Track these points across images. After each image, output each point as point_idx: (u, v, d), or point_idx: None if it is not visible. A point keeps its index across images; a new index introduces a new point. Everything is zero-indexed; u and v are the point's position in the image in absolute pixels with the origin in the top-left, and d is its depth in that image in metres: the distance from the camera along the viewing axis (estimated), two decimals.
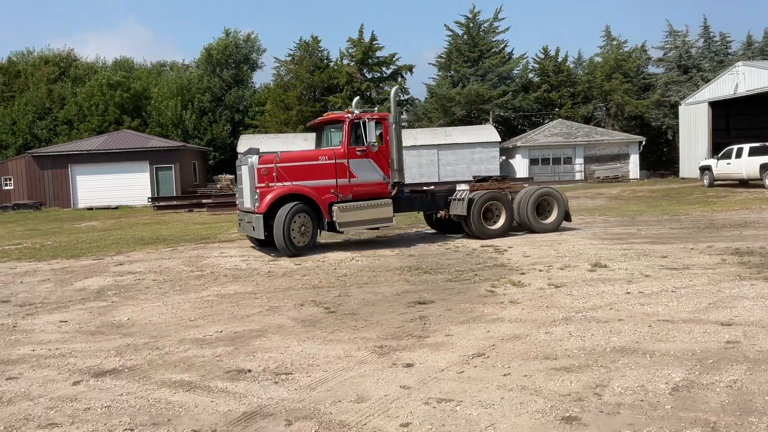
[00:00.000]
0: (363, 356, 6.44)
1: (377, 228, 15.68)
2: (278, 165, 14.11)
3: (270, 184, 13.83)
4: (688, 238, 14.15)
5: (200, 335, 7.54)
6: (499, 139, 46.26)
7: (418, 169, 44.43)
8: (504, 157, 47.64)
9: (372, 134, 14.70)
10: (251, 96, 64.09)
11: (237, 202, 15.79)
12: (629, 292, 8.82)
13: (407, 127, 53.38)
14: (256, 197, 13.69)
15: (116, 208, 39.53)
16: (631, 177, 46.80)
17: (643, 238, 14.57)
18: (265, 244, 14.73)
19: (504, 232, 15.82)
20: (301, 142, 43.32)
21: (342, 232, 14.96)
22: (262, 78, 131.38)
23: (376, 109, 16.48)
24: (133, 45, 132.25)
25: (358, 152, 14.65)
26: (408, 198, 15.98)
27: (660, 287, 9.05)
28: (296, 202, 13.80)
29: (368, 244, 15.77)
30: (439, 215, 16.61)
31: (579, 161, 46.81)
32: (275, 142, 43.94)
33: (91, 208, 39.43)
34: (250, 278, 11.54)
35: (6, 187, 42.64)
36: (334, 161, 14.51)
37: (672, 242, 13.63)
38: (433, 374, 5.77)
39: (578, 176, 46.41)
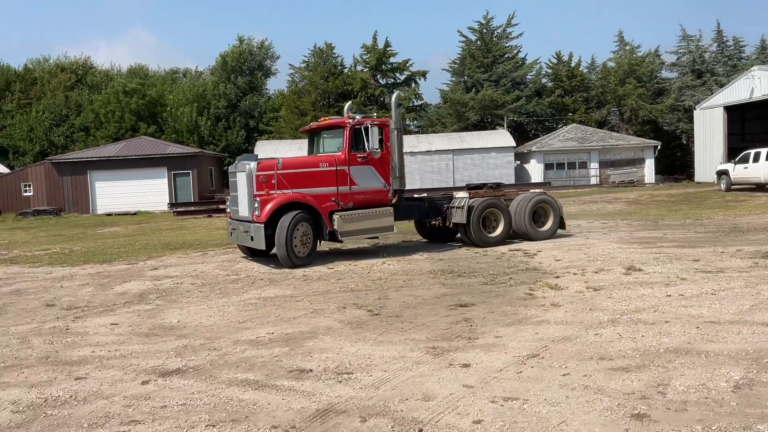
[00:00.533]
0: (418, 357, 6.58)
1: (376, 237, 15.30)
2: (279, 172, 13.61)
3: (270, 192, 13.26)
4: (716, 242, 14.24)
5: (253, 337, 7.71)
6: (514, 144, 46.38)
7: (433, 175, 44.62)
8: (518, 162, 47.72)
9: (375, 140, 14.30)
10: (265, 102, 64.47)
11: (228, 210, 15.05)
12: (669, 295, 8.93)
13: (421, 133, 53.61)
14: (256, 205, 13.03)
15: (135, 213, 39.86)
16: (646, 181, 46.75)
17: (670, 242, 14.66)
18: (258, 254, 14.42)
19: (502, 240, 15.54)
20: None
21: (342, 242, 14.46)
22: (275, 84, 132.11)
23: (375, 115, 15.73)
24: (141, 51, 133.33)
25: (359, 159, 14.24)
26: (406, 206, 15.53)
27: (698, 290, 9.16)
28: (298, 211, 13.27)
29: (369, 254, 15.91)
30: (432, 223, 16.33)
31: (594, 166, 46.84)
32: (291, 147, 44.22)
33: (110, 214, 39.79)
34: (286, 281, 11.71)
35: (26, 194, 43.09)
36: (335, 168, 14.04)
37: (701, 246, 13.71)
38: (492, 374, 5.91)
39: (593, 181, 46.43)
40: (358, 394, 5.50)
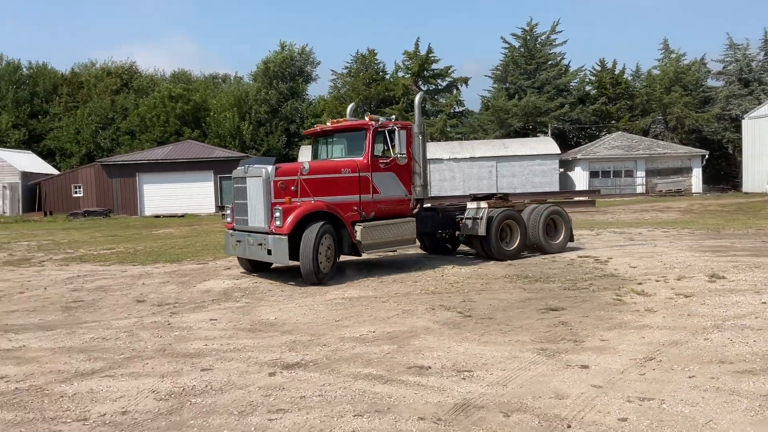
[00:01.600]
0: (531, 358, 6.64)
1: (394, 250, 14.35)
2: (303, 177, 12.26)
3: (293, 200, 11.87)
4: None
5: (356, 334, 7.84)
6: (559, 152, 46.13)
7: (475, 181, 44.55)
8: (562, 170, 47.44)
9: (402, 144, 13.23)
10: (306, 108, 65.04)
11: (228, 219, 13.14)
12: (765, 302, 8.87)
13: (463, 139, 53.56)
14: (278, 215, 11.53)
15: (182, 216, 40.50)
16: (693, 191, 46.12)
17: (742, 251, 14.50)
18: (260, 269, 13.30)
19: (518, 253, 14.76)
20: None
21: (360, 255, 13.05)
22: (316, 90, 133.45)
23: (393, 117, 14.48)
24: (180, 57, 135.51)
25: (381, 165, 13.13)
26: (423, 217, 14.26)
27: None
28: (323, 222, 11.89)
29: (391, 267, 15.96)
30: (439, 235, 15.25)
31: (640, 174, 46.37)
32: None
33: (158, 216, 40.50)
34: (364, 283, 11.85)
35: (76, 195, 44.07)
36: (357, 174, 12.82)
37: None
38: (614, 376, 5.95)
39: (639, 189, 45.95)
40: (488, 391, 5.58)
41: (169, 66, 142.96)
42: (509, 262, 14.14)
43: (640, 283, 10.84)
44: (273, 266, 13.27)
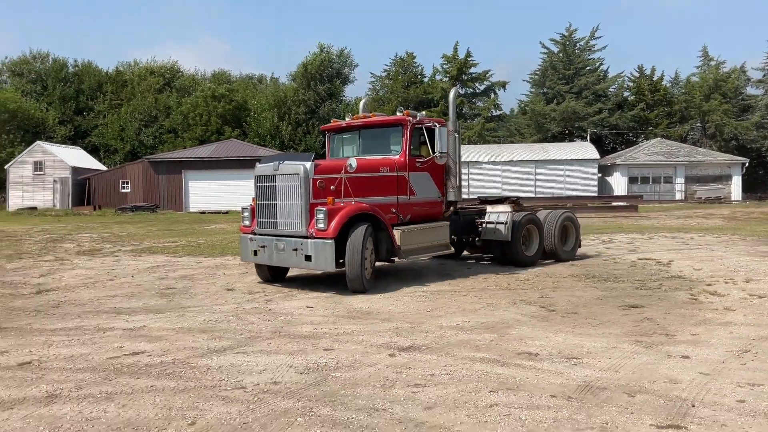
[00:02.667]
0: (631, 348, 7.04)
1: (429, 257, 13.45)
2: (348, 176, 11.27)
3: (336, 200, 10.83)
4: None
5: (453, 324, 8.30)
6: (598, 157, 46.23)
7: (514, 185, 44.80)
8: (600, 174, 47.49)
9: (444, 142, 12.45)
10: (344, 109, 65.69)
11: (246, 222, 11.84)
12: None
13: (500, 142, 53.80)
14: (321, 216, 10.40)
15: (227, 212, 41.35)
16: (732, 198, 45.88)
17: None
18: (278, 278, 12.14)
19: (537, 260, 14.31)
20: None
21: (393, 262, 12.33)
22: (353, 92, 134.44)
23: (423, 113, 13.19)
24: (211, 57, 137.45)
25: (417, 164, 12.38)
26: (452, 221, 13.48)
27: None
28: (366, 224, 10.90)
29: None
30: (459, 240, 14.03)
31: (680, 181, 46.27)
32: None
33: (203, 212, 41.41)
34: (441, 277, 12.32)
35: (123, 190, 45.20)
36: (395, 174, 12.01)
37: None
38: (717, 365, 6.33)
39: (678, 196, 45.86)
40: (603, 375, 6.01)
41: (200, 65, 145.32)
42: (570, 263, 14.51)
43: (709, 285, 11.17)
44: (288, 275, 12.47)
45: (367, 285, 10.68)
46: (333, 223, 10.43)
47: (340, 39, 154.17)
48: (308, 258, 10.58)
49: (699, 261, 14.25)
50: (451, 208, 13.52)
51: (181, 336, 7.76)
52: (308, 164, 10.74)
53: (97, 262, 15.80)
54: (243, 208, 12.02)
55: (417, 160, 12.38)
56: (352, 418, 4.87)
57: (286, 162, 11.08)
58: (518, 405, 5.14)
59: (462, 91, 59.26)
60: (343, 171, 11.19)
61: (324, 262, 10.43)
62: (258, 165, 11.59)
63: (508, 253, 13.91)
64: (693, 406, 5.16)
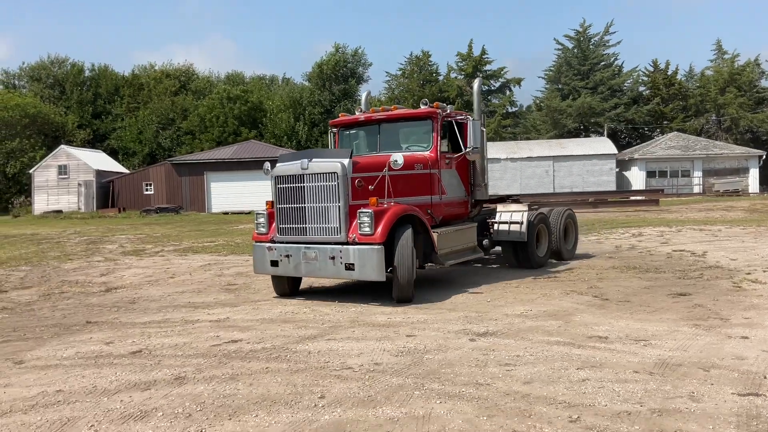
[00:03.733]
0: (692, 331, 7.55)
1: (465, 262, 12.33)
2: (391, 174, 10.11)
3: (380, 201, 9.73)
4: None
5: (517, 312, 8.83)
6: (615, 152, 46.65)
7: (532, 181, 45.27)
8: (618, 169, 47.88)
9: (477, 137, 11.57)
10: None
11: (262, 230, 10.51)
12: None
13: (517, 139, 54.27)
14: (368, 220, 9.33)
15: (249, 213, 41.97)
16: (750, 191, 46.19)
17: None
18: (292, 292, 10.74)
19: (547, 261, 13.82)
20: None
21: (424, 268, 10.96)
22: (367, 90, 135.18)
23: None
24: (220, 57, 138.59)
25: (446, 161, 11.56)
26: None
27: None
28: (410, 227, 9.87)
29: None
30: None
31: (697, 174, 46.64)
32: None
33: (226, 213, 42.09)
34: (471, 280, 12.86)
35: (147, 192, 45.97)
36: (428, 171, 11.12)
37: None
38: None
39: (696, 189, 46.22)
40: (675, 354, 6.53)
41: (209, 65, 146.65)
42: (608, 256, 15.00)
43: (748, 273, 11.66)
44: (301, 287, 11.13)
45: (413, 292, 9.83)
46: (380, 227, 9.34)
47: (351, 38, 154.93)
48: (350, 267, 9.40)
49: (733, 252, 14.73)
50: (476, 209, 12.82)
51: (268, 326, 8.34)
52: (346, 161, 9.65)
53: (148, 261, 16.43)
54: (257, 214, 10.63)
55: (446, 156, 11.54)
56: (463, 391, 5.41)
57: (316, 160, 9.87)
58: (608, 379, 5.67)
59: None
60: (386, 168, 9.94)
61: (371, 270, 9.28)
62: (277, 165, 10.24)
63: (522, 254, 13.19)
64: (765, 377, 5.67)
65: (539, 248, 13.54)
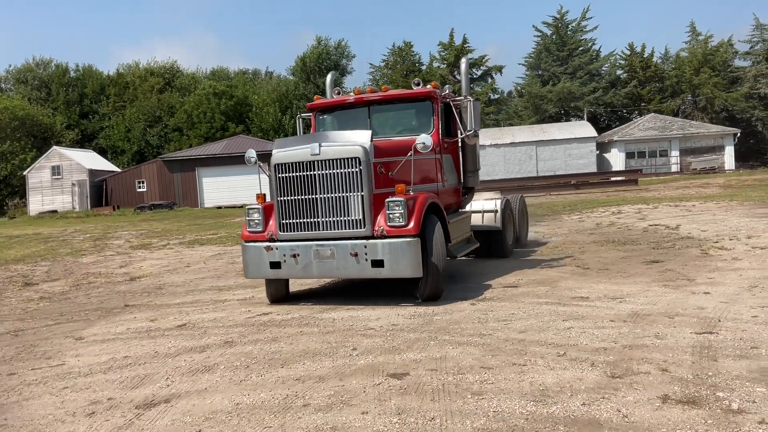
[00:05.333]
0: (661, 290, 8.72)
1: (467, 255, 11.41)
2: (417, 158, 9.20)
3: (408, 188, 8.64)
4: None
5: (508, 282, 9.98)
6: (596, 135, 48.03)
7: (515, 166, 46.52)
8: (599, 152, 49.27)
9: (477, 119, 10.79)
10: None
11: (257, 228, 9.23)
12: None
13: (501, 126, 55.51)
14: (401, 210, 8.33)
15: (242, 206, 42.89)
16: (726, 168, 47.76)
17: None
18: (283, 298, 9.51)
19: (513, 248, 13.30)
20: None
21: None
22: (352, 82, 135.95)
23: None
24: (199, 51, 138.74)
25: (444, 145, 10.60)
26: None
27: None
28: (434, 216, 9.00)
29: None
30: None
31: (675, 154, 48.15)
32: None
33: (220, 207, 43.01)
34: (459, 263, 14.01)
35: (140, 190, 46.78)
36: (434, 157, 10.10)
37: None
38: (732, 297, 7.99)
39: (674, 168, 47.72)
40: (645, 308, 7.69)
41: (190, 60, 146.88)
42: (587, 231, 16.20)
43: (716, 242, 12.89)
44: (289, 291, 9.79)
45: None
46: (414, 217, 8.37)
47: (333, 30, 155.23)
48: (377, 263, 8.33)
49: (704, 224, 15.98)
50: (468, 196, 11.82)
51: (290, 301, 9.43)
52: (368, 144, 8.50)
53: (160, 254, 17.43)
54: (249, 209, 9.43)
55: (444, 141, 10.56)
56: (469, 340, 6.55)
57: (329, 143, 8.59)
58: (588, 327, 6.82)
59: (459, 78, 60.81)
60: (411, 152, 8.86)
61: (406, 265, 8.24)
62: (276, 151, 8.94)
63: (495, 243, 12.55)
64: (719, 321, 6.84)
65: (507, 236, 12.98)
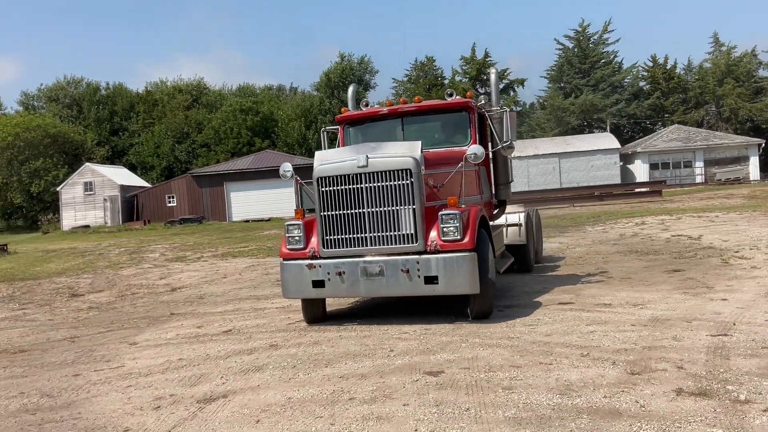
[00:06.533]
0: (681, 297, 9.14)
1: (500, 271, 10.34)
2: (467, 169, 9.02)
3: (459, 201, 8.39)
4: None
5: (534, 290, 10.44)
6: (619, 146, 48.22)
7: (540, 178, 46.82)
8: (622, 163, 49.40)
9: (513, 130, 10.49)
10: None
11: (298, 245, 8.65)
12: None
13: (523, 138, 55.87)
14: (456, 223, 7.98)
15: (269, 220, 43.74)
16: (751, 179, 47.60)
17: None
18: (323, 317, 9.10)
19: (533, 264, 13.04)
20: None
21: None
22: (375, 97, 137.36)
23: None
24: (225, 68, 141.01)
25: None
26: None
27: None
28: (483, 230, 8.69)
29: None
30: None
31: (699, 164, 48.13)
32: None
33: (247, 221, 43.82)
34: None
35: (170, 204, 47.87)
36: (474, 169, 9.66)
37: None
38: (748, 302, 8.39)
39: (698, 179, 47.66)
40: (664, 313, 8.12)
41: (216, 78, 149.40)
42: (614, 241, 16.58)
43: (737, 252, 13.23)
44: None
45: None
46: (469, 231, 8.06)
47: (357, 46, 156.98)
48: (431, 280, 7.97)
49: (726, 234, 16.29)
50: (500, 209, 11.59)
51: (327, 321, 9.97)
52: (418, 155, 8.19)
53: (196, 266, 18.12)
54: (289, 225, 8.84)
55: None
56: (498, 342, 7.04)
57: (377, 155, 8.24)
58: (610, 330, 7.28)
59: (482, 91, 61.35)
60: (461, 163, 8.68)
61: (463, 281, 7.87)
62: (319, 164, 8.46)
63: (519, 258, 12.12)
64: (734, 324, 7.26)
65: (531, 250, 12.78)
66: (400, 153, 8.23)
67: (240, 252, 21.42)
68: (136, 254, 23.75)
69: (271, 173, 46.36)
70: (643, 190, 38.73)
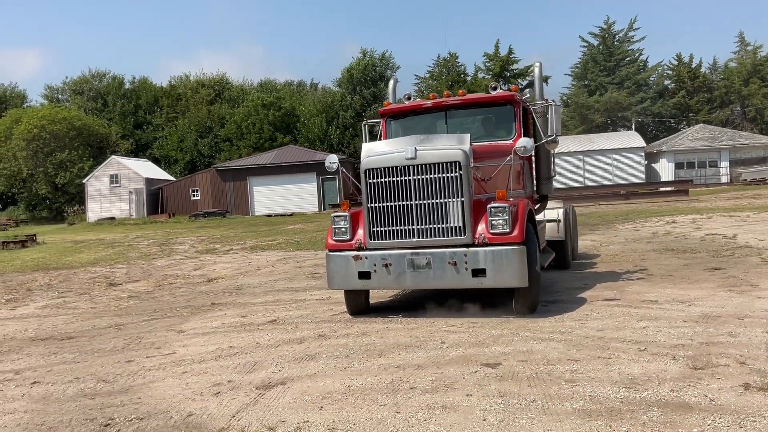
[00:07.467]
0: (727, 295, 9.05)
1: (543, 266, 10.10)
2: (517, 163, 9.20)
3: (507, 195, 8.33)
4: None
5: (575, 286, 10.41)
6: (644, 145, 47.85)
7: (564, 176, 46.52)
8: (647, 162, 49.02)
9: (558, 124, 10.20)
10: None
11: (344, 237, 8.72)
12: None
13: None
14: (506, 216, 7.96)
15: (291, 214, 43.92)
16: None
17: None
18: (366, 309, 9.19)
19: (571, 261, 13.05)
20: None
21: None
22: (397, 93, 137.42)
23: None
24: (246, 62, 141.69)
25: None
26: None
27: None
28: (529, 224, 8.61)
29: None
30: None
31: (724, 164, 47.68)
32: None
33: (270, 215, 44.05)
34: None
35: (194, 198, 48.24)
36: (520, 162, 9.83)
37: None
38: None
39: (723, 179, 47.22)
40: (713, 310, 8.05)
41: (237, 72, 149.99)
42: (648, 239, 16.46)
43: None
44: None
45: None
46: (518, 224, 8.03)
47: (378, 42, 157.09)
48: (479, 272, 7.97)
49: (761, 234, 16.12)
50: (542, 204, 11.58)
51: (370, 313, 10.01)
52: (467, 147, 8.17)
53: (228, 258, 18.25)
54: (335, 217, 8.86)
55: None
56: (551, 336, 7.03)
57: (425, 147, 8.23)
58: (663, 326, 7.24)
59: (504, 87, 61.11)
60: (511, 156, 8.71)
61: (511, 274, 7.85)
62: (367, 156, 8.50)
63: (557, 254, 12.00)
64: None
65: (569, 246, 12.76)
66: (449, 145, 8.21)
67: (268, 245, 21.54)
68: (166, 246, 23.96)
69: (294, 168, 46.61)
70: (668, 189, 38.44)
